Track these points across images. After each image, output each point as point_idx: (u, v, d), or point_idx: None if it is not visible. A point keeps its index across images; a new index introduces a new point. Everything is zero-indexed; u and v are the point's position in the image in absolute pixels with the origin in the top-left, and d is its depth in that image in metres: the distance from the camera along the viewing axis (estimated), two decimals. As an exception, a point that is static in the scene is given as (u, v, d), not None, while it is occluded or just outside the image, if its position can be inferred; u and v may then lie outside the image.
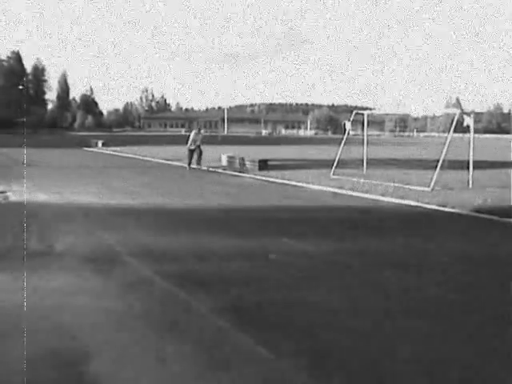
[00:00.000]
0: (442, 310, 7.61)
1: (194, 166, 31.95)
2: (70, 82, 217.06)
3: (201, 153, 32.36)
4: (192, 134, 32.98)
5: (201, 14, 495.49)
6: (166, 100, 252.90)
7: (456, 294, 8.27)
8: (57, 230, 12.74)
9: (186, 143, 33.23)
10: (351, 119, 28.80)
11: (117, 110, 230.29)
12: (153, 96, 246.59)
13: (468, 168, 22.42)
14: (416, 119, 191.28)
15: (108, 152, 49.54)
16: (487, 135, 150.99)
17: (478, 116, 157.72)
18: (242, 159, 32.08)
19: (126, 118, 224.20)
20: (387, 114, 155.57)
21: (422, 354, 6.00)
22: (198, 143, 32.42)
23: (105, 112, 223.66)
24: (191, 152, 32.32)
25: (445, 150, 21.59)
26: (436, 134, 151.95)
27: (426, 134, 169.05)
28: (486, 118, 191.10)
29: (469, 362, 5.85)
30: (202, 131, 33.95)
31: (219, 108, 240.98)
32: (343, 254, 10.77)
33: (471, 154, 22.55)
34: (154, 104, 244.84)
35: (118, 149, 52.49)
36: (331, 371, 5.58)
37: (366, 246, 11.57)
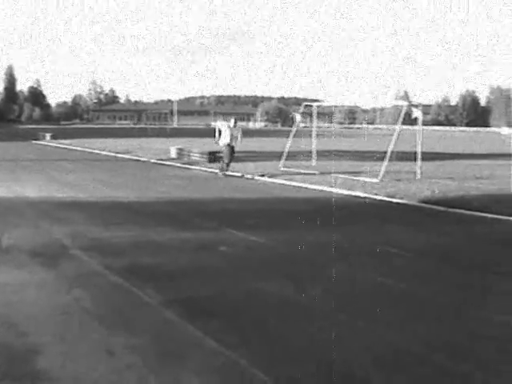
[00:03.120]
0: (387, 298, 7.69)
1: (223, 171, 24.20)
2: (17, 74, 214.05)
3: (233, 156, 24.51)
4: (226, 127, 24.46)
5: (151, 6, 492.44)
6: (114, 92, 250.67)
7: (402, 283, 8.36)
8: (3, 223, 12.57)
9: (216, 138, 24.85)
10: (300, 111, 28.90)
11: (65, 103, 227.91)
12: (101, 88, 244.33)
13: (416, 159, 22.66)
14: (365, 111, 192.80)
15: (56, 145, 48.99)
16: (435, 127, 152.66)
17: (426, 108, 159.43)
18: (191, 152, 31.92)
19: (74, 111, 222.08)
20: (336, 106, 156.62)
21: (371, 342, 6.07)
22: (238, 140, 24.61)
23: (53, 104, 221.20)
24: (231, 149, 24.21)
25: (393, 142, 21.79)
26: (385, 126, 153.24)
27: (375, 125, 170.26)
28: (434, 110, 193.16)
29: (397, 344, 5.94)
30: (238, 123, 26.14)
31: (168, 100, 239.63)
32: (292, 245, 10.81)
33: (419, 145, 22.79)
34: (102, 96, 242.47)
35: (66, 142, 51.91)
36: (281, 361, 5.60)
37: (314, 236, 11.63)
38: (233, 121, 24.81)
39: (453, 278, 8.81)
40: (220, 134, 24.57)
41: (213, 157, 29.55)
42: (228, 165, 24.20)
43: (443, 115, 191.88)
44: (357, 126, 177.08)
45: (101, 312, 6.99)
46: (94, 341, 6.07)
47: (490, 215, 14.18)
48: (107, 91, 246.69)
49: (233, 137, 24.34)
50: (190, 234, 11.79)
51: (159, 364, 5.49)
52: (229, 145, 24.17)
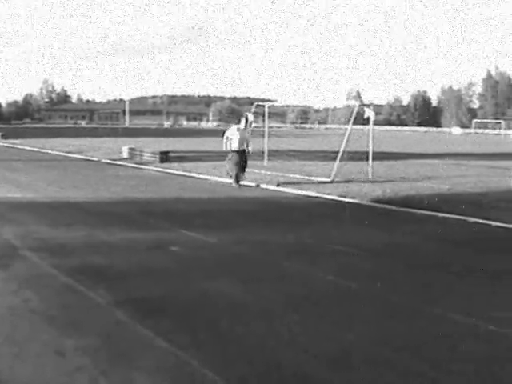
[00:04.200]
0: (339, 297, 7.74)
1: (240, 180, 20.63)
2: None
3: (245, 161, 20.77)
4: (235, 130, 20.74)
5: (102, 5, 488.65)
6: (66, 92, 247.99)
7: (353, 282, 8.42)
8: (-49, 224, 12.39)
9: (225, 141, 20.82)
10: (252, 111, 28.92)
11: (16, 102, 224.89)
12: (53, 87, 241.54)
13: (368, 159, 22.83)
14: (317, 111, 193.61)
15: (7, 145, 48.35)
16: (387, 127, 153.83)
17: (378, 108, 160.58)
18: (142, 151, 31.77)
19: (25, 110, 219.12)
20: (289, 106, 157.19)
21: (322, 341, 6.11)
22: (248, 144, 20.86)
23: (3, 104, 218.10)
24: (240, 156, 20.43)
25: (345, 142, 21.93)
26: (337, 126, 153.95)
27: (327, 125, 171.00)
28: (387, 110, 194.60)
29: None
30: (250, 121, 22.81)
31: (121, 100, 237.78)
32: (244, 244, 10.84)
33: (371, 145, 22.97)
34: (54, 96, 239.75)
35: (17, 141, 51.25)
36: (232, 361, 5.61)
37: (267, 236, 11.67)
38: (244, 121, 21.21)
39: (405, 277, 8.92)
40: (227, 139, 20.68)
41: (164, 156, 29.43)
42: (238, 175, 20.32)
43: (395, 115, 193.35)
44: (309, 125, 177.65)
45: (51, 313, 6.93)
46: (43, 342, 6.01)
47: (440, 214, 14.36)
48: (59, 90, 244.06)
49: (243, 141, 20.55)
50: (142, 234, 11.74)
51: (110, 365, 5.47)
52: (237, 151, 20.33)
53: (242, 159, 20.41)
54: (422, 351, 5.92)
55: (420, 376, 5.37)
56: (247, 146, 20.65)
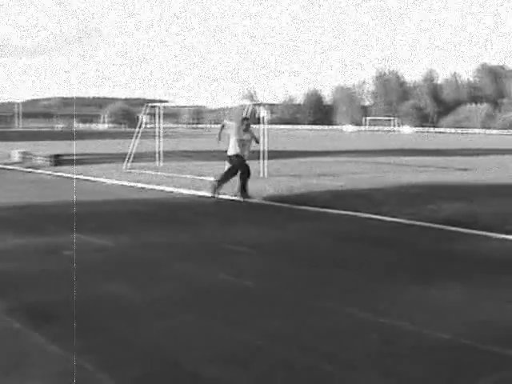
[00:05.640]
0: (232, 296, 7.81)
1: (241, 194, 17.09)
2: None
3: (248, 172, 17.33)
4: (234, 129, 17.55)
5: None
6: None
7: (246, 280, 8.50)
8: None
9: (217, 136, 18.07)
10: (145, 112, 28.81)
11: None
12: None
13: (261, 158, 23.01)
14: (212, 111, 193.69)
15: None
16: (282, 126, 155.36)
17: (271, 107, 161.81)
18: (34, 155, 31.14)
19: None
20: (183, 107, 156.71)
21: (217, 340, 6.16)
22: (248, 150, 17.87)
23: None
24: (241, 164, 17.29)
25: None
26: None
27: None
28: (280, 109, 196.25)
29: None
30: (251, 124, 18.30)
31: (9, 103, 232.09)
32: (139, 246, 10.79)
33: (265, 144, 23.18)
34: None
35: None
36: (127, 364, 5.60)
37: (161, 237, 11.64)
38: (245, 122, 17.94)
39: (298, 273, 9.03)
40: (222, 132, 17.95)
41: (57, 160, 28.93)
42: (244, 187, 17.03)
43: (289, 114, 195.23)
44: (201, 126, 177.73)
45: None
46: None
47: (333, 210, 14.61)
48: None
49: (244, 144, 17.54)
50: (35, 239, 11.51)
51: (2, 373, 5.37)
52: (237, 156, 17.30)
53: (243, 166, 17.25)
54: (317, 346, 6.03)
55: (314, 371, 5.46)
56: (247, 151, 17.68)
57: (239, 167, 17.13)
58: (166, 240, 11.41)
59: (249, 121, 17.82)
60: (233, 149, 17.30)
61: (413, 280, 8.63)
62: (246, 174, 17.01)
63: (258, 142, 18.64)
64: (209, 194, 17.33)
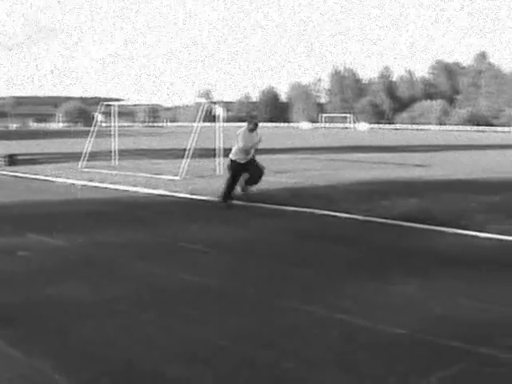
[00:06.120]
0: (193, 294, 7.77)
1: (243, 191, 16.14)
2: None
3: (260, 171, 16.00)
4: (242, 133, 15.55)
5: None
6: None
7: (206, 279, 8.46)
8: None
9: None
10: (101, 110, 28.61)
11: None
12: None
13: (218, 155, 22.98)
14: (168, 109, 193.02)
15: None
16: (239, 123, 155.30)
17: (228, 105, 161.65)
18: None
19: None
20: (138, 105, 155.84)
21: (178, 338, 6.11)
22: (253, 153, 15.96)
23: None
24: (243, 167, 15.64)
25: (192, 139, 21.99)
26: (186, 124, 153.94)
27: (178, 123, 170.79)
28: (237, 107, 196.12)
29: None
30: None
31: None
32: (95, 246, 10.68)
33: (220, 142, 23.16)
34: None
35: None
36: (85, 364, 5.53)
37: (118, 237, 11.55)
38: (252, 122, 16.06)
39: (257, 271, 9.04)
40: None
41: (11, 160, 28.53)
42: (230, 190, 15.54)
43: (245, 112, 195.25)
44: (157, 124, 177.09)
45: None
46: None
47: (290, 208, 14.63)
48: None
49: (252, 147, 15.80)
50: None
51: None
52: (233, 162, 15.61)
53: (250, 169, 15.70)
54: (278, 344, 6.05)
55: (276, 368, 5.48)
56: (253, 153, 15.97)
57: (232, 171, 15.55)
58: (123, 239, 11.30)
59: (257, 119, 15.69)
60: (235, 154, 15.54)
61: (371, 276, 8.68)
62: (235, 180, 15.49)
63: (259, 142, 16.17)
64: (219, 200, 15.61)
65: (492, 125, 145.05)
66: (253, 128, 15.64)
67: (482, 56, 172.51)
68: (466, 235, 11.62)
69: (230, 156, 15.65)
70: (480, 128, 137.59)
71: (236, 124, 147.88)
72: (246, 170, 15.63)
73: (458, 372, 5.37)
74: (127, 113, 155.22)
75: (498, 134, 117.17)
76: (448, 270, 9.05)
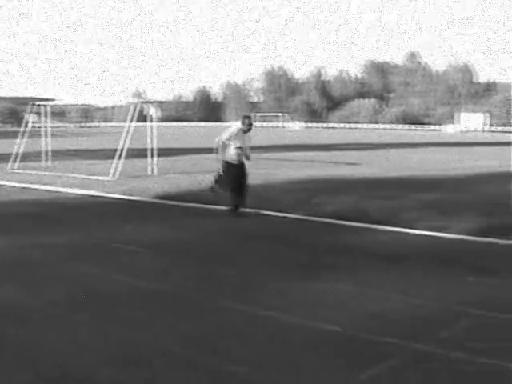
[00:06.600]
0: (127, 295, 7.72)
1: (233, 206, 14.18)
2: None
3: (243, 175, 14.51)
4: (235, 132, 14.24)
5: None
6: None
7: (139, 280, 8.40)
8: None
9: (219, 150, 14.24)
10: (32, 111, 28.21)
11: None
12: None
13: (150, 155, 22.87)
14: (101, 109, 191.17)
15: None
16: (172, 123, 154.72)
17: (162, 105, 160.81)
18: None
19: None
20: (70, 105, 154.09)
21: (107, 340, 6.06)
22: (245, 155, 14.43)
23: None
24: (238, 170, 14.34)
25: (125, 139, 21.86)
26: (119, 124, 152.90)
27: (111, 123, 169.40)
28: (170, 106, 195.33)
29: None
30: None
31: None
32: (28, 248, 10.51)
33: (154, 141, 23.07)
34: None
35: None
36: (17, 368, 5.45)
37: (51, 238, 11.38)
38: (246, 122, 14.39)
39: (194, 273, 8.99)
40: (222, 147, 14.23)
41: None
42: (237, 204, 14.10)
43: (179, 111, 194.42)
44: (89, 124, 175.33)
45: None
46: None
47: (224, 208, 14.57)
48: None
49: (245, 148, 14.35)
50: None
51: None
52: (229, 165, 14.20)
53: (242, 173, 14.47)
54: (213, 344, 6.05)
55: (209, 368, 5.49)
56: (246, 156, 14.46)
57: (236, 173, 14.18)
58: (56, 241, 11.14)
59: (251, 119, 14.61)
60: (230, 156, 14.16)
61: (305, 275, 8.75)
62: (240, 186, 14.16)
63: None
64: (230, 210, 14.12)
65: (423, 123, 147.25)
66: (247, 129, 14.35)
67: (413, 56, 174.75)
68: (397, 232, 11.80)
69: (226, 159, 14.18)
70: (412, 126, 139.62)
71: (169, 124, 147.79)
72: (242, 172, 14.38)
73: (392, 367, 5.44)
74: (59, 113, 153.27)
75: (430, 132, 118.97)
76: (380, 267, 9.17)
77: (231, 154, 14.06)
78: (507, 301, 7.49)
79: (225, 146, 14.15)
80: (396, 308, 7.17)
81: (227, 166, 14.15)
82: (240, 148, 14.05)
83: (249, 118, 14.49)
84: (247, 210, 14.10)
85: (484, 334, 6.28)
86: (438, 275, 8.72)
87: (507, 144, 48.51)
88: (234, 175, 14.07)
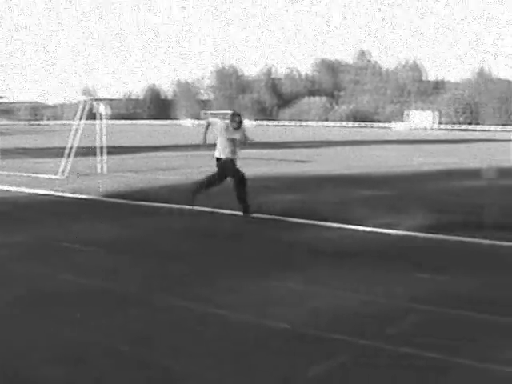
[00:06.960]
0: (74, 294, 7.64)
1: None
2: None
3: (244, 181, 13.95)
4: (221, 129, 13.88)
5: None
6: None
7: (86, 279, 8.33)
8: None
9: (204, 138, 14.42)
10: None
11: None
12: None
13: (101, 154, 22.71)
14: (51, 107, 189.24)
15: None
16: (123, 121, 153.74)
17: (112, 102, 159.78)
18: None
19: None
20: (18, 103, 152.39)
21: (54, 340, 6.00)
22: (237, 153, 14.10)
23: None
24: (233, 170, 13.93)
25: (73, 137, 21.67)
26: (71, 122, 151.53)
27: (61, 121, 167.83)
28: (120, 104, 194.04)
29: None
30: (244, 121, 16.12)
31: None
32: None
33: (103, 139, 22.91)
34: None
35: None
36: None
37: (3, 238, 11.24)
38: (237, 119, 13.93)
39: (144, 271, 8.94)
40: (207, 133, 14.35)
41: None
42: (243, 199, 13.71)
43: (129, 109, 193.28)
44: (38, 122, 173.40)
45: None
46: None
47: (173, 206, 14.55)
48: None
49: (235, 145, 13.94)
50: None
51: None
52: (227, 160, 13.78)
53: (234, 170, 13.93)
54: (163, 342, 6.04)
55: (160, 367, 5.46)
56: (237, 153, 14.07)
57: (229, 173, 13.86)
58: (4, 240, 10.99)
59: (240, 117, 14.06)
60: (222, 151, 13.80)
61: (254, 272, 8.78)
62: (240, 182, 13.80)
63: (247, 143, 14.44)
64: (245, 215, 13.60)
65: (373, 121, 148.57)
66: (237, 127, 13.77)
67: (363, 54, 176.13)
68: (346, 229, 11.88)
69: (220, 155, 13.80)
70: (362, 124, 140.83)
71: (119, 121, 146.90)
72: (237, 171, 13.92)
73: (341, 364, 5.47)
74: (7, 110, 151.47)
75: (379, 129, 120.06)
76: (329, 264, 9.23)
77: (223, 148, 13.75)
78: (455, 297, 7.58)
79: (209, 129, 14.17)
80: (345, 305, 7.23)
81: (230, 163, 13.75)
82: (232, 139, 13.66)
83: (238, 115, 14.13)
84: (198, 208, 14.02)
85: (432, 330, 6.36)
86: (387, 272, 8.80)
87: (455, 142, 49.20)
88: (235, 173, 13.78)
